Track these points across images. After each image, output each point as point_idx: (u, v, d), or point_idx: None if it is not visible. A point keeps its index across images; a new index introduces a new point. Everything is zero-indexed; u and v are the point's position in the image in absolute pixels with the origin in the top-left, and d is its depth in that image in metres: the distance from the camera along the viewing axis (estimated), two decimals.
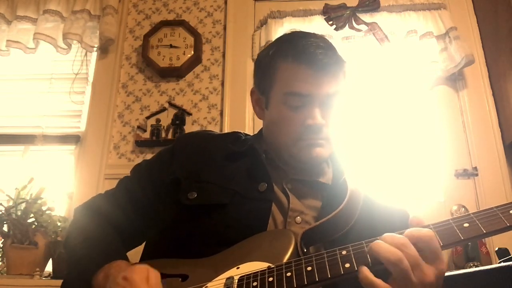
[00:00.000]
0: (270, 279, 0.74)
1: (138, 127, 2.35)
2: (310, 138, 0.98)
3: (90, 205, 1.09)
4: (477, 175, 2.17)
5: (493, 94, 2.29)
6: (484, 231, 0.70)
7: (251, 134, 1.21)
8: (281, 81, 1.01)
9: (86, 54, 2.56)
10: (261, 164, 1.01)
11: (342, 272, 0.71)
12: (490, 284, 1.24)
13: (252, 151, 1.04)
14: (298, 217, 0.95)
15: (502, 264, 1.31)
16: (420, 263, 0.68)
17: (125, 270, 0.79)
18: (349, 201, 0.93)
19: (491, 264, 1.80)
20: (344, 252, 0.74)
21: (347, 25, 2.40)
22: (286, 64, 1.00)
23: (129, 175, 1.14)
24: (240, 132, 1.17)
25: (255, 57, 2.41)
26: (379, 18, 2.40)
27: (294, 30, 1.11)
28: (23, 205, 2.00)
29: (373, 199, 1.01)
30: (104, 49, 2.52)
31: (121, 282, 0.76)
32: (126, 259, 0.92)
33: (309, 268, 0.73)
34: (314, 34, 1.05)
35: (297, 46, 1.00)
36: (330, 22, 2.42)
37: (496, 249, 1.67)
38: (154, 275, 0.78)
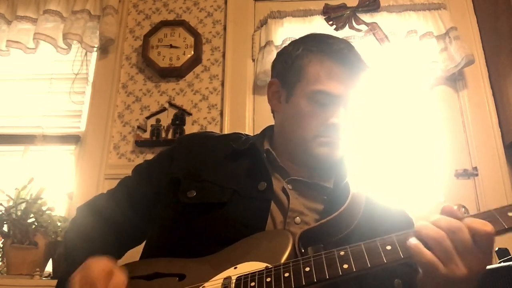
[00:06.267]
0: (268, 279, 0.74)
1: (138, 127, 2.35)
2: (330, 136, 0.99)
3: (90, 204, 1.11)
4: (477, 175, 2.17)
5: (493, 94, 2.29)
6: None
7: (251, 134, 1.21)
8: (311, 77, 1.01)
9: (86, 54, 2.56)
10: (262, 163, 1.01)
11: (341, 273, 0.71)
12: (490, 284, 1.24)
13: (253, 150, 1.04)
14: (298, 218, 0.94)
15: (502, 264, 1.31)
16: (472, 248, 0.68)
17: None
18: (350, 204, 0.92)
19: (491, 264, 1.80)
20: (342, 253, 0.74)
21: (347, 25, 2.41)
22: (319, 61, 1.01)
23: (130, 175, 1.15)
24: (240, 133, 1.18)
25: (255, 57, 2.43)
26: (379, 18, 2.40)
27: (318, 33, 1.12)
28: (23, 205, 1.99)
29: (373, 201, 1.01)
30: (104, 49, 2.52)
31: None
32: (116, 258, 0.93)
33: (307, 269, 0.73)
34: (337, 36, 1.08)
35: (331, 45, 1.02)
36: (330, 22, 2.42)
37: (496, 249, 1.67)
38: (118, 273, 0.80)
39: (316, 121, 1.00)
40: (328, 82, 0.98)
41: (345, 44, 1.03)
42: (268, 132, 1.16)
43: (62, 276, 0.96)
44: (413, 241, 0.70)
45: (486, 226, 0.68)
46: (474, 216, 0.72)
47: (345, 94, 0.99)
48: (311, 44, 1.04)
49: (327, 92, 0.98)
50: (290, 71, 1.05)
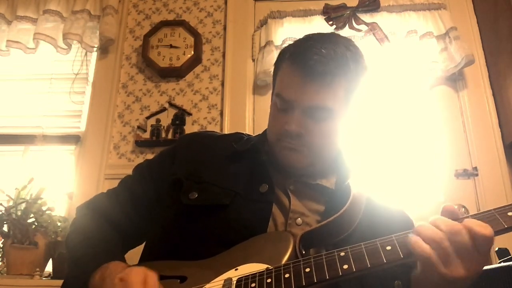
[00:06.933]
0: (269, 280, 0.74)
1: (138, 127, 2.35)
2: (287, 141, 0.97)
3: (91, 204, 1.10)
4: (477, 175, 2.17)
5: (493, 94, 2.29)
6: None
7: (252, 134, 1.21)
8: (278, 81, 1.02)
9: (86, 54, 2.56)
10: (263, 165, 1.01)
11: (341, 273, 0.72)
12: (490, 284, 1.24)
13: (254, 151, 1.04)
14: (299, 219, 0.94)
15: (502, 264, 1.31)
16: (471, 250, 0.68)
17: (121, 272, 0.79)
18: (351, 205, 0.92)
19: (491, 264, 1.80)
20: (342, 254, 0.74)
21: (347, 25, 2.41)
22: (283, 64, 1.00)
23: (131, 174, 1.15)
24: (242, 133, 1.18)
25: (255, 57, 2.44)
26: (379, 18, 2.40)
27: (319, 32, 1.05)
28: (23, 205, 2.00)
29: (374, 201, 1.01)
30: (104, 49, 2.52)
31: (118, 283, 0.76)
32: (123, 259, 0.92)
33: (307, 270, 0.73)
34: (329, 38, 0.99)
35: (298, 48, 0.98)
36: (330, 22, 2.42)
37: (496, 249, 1.67)
38: (152, 277, 0.77)
39: (276, 126, 0.99)
40: (283, 86, 0.97)
41: (316, 46, 0.94)
42: None
43: (69, 280, 0.95)
44: (413, 237, 0.71)
45: (486, 230, 0.68)
46: (474, 215, 0.73)
47: (298, 100, 0.94)
48: (289, 49, 1.03)
49: (282, 97, 0.97)
50: (273, 74, 1.07)
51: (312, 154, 0.98)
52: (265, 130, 1.16)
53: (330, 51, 0.94)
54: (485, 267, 1.29)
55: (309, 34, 1.04)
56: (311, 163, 1.00)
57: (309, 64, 0.92)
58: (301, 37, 1.05)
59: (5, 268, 2.00)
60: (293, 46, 1.01)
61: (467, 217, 0.73)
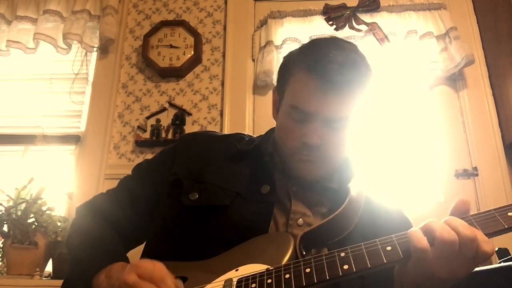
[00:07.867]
0: (269, 281, 0.74)
1: (138, 127, 2.35)
2: (304, 154, 0.95)
3: (91, 205, 1.10)
4: (477, 175, 2.17)
5: (493, 94, 2.29)
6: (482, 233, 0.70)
7: (251, 134, 1.20)
8: (291, 91, 0.98)
9: (86, 54, 2.56)
10: (265, 166, 1.00)
11: (341, 274, 0.72)
12: (490, 284, 1.24)
13: (257, 151, 1.04)
14: (300, 219, 0.94)
15: (502, 264, 1.31)
16: (470, 259, 0.70)
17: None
18: (349, 203, 0.92)
19: (491, 264, 1.80)
20: (342, 254, 0.74)
21: (347, 25, 2.41)
22: (298, 74, 0.96)
23: (131, 174, 1.14)
24: (243, 134, 1.17)
25: (255, 57, 2.44)
26: (379, 18, 2.40)
27: (326, 36, 1.03)
28: (23, 205, 2.00)
29: (373, 201, 1.01)
30: (104, 49, 2.52)
31: (128, 270, 0.74)
32: (127, 260, 0.92)
33: (307, 270, 0.73)
34: (341, 44, 0.97)
35: (314, 56, 0.94)
36: (330, 22, 2.42)
37: (496, 249, 1.67)
38: (159, 262, 0.77)
39: (293, 137, 0.96)
40: (301, 98, 0.94)
41: (332, 53, 0.92)
42: (272, 133, 1.14)
43: (70, 280, 0.95)
44: (414, 229, 0.72)
45: (489, 247, 0.69)
46: (475, 215, 0.73)
47: (319, 112, 0.92)
48: (300, 54, 1.00)
49: (299, 109, 0.94)
50: (281, 82, 1.03)
51: (326, 164, 0.98)
52: (268, 131, 1.15)
53: (344, 58, 0.92)
54: (485, 267, 1.29)
55: (314, 40, 1.02)
56: (325, 172, 0.99)
57: (327, 74, 0.90)
58: (307, 43, 1.03)
59: (5, 268, 2.00)
60: (304, 55, 0.98)
61: (467, 217, 0.73)
